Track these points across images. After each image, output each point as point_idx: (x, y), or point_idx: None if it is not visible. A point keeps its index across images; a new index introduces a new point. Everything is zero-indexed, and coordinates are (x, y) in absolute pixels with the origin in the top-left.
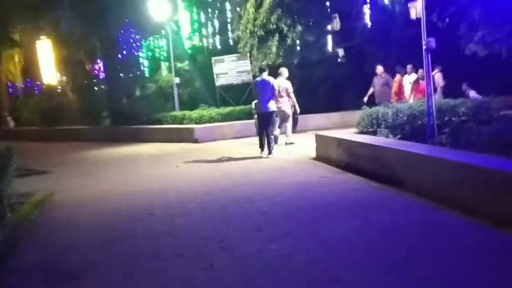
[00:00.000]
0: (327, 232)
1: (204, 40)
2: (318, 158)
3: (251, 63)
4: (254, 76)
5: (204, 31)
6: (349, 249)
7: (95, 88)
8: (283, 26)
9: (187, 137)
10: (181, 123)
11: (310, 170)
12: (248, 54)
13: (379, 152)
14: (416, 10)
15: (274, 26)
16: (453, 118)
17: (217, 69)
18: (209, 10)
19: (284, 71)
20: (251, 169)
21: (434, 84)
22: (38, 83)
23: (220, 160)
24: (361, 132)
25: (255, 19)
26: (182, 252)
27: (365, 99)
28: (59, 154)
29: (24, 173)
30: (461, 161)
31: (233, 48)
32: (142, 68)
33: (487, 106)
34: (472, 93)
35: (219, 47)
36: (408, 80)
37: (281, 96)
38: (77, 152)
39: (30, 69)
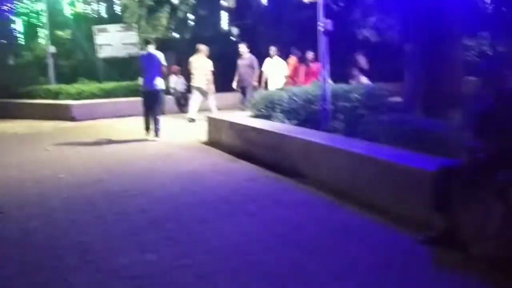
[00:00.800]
0: (216, 237)
1: (88, 8)
2: (210, 143)
3: (138, 35)
4: (142, 50)
5: None
6: (238, 258)
7: None
8: None
9: (63, 114)
10: (56, 98)
11: (201, 158)
12: (136, 26)
13: (275, 138)
14: None
15: None
16: (346, 104)
17: (100, 39)
18: None
19: (204, 48)
20: (133, 155)
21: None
22: None
23: (98, 143)
24: (256, 116)
25: None
26: (30, 270)
27: (234, 84)
28: None
29: None
30: (360, 153)
31: (120, 18)
32: (15, 34)
33: (378, 93)
34: (362, 79)
35: (105, 16)
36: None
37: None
38: None
39: None
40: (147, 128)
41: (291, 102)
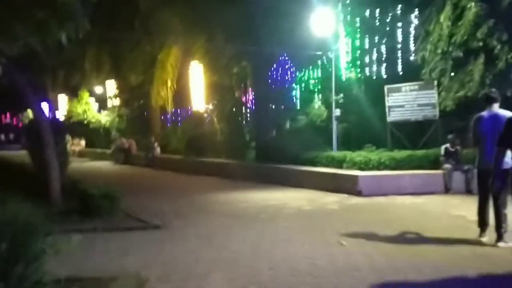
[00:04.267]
0: None
1: (366, 70)
2: None
3: (439, 94)
4: (443, 111)
5: (366, 59)
6: None
7: (243, 118)
8: (495, 43)
9: (347, 186)
10: (340, 167)
11: None
12: (435, 83)
13: None
14: None
15: (480, 43)
16: None
17: (390, 100)
18: (375, 35)
19: None
20: (469, 271)
21: None
22: (188, 110)
23: (406, 239)
24: None
25: (451, 36)
26: None
27: None
28: (193, 193)
29: (130, 225)
30: None
31: (401, 77)
32: (294, 100)
33: None
34: None
35: (384, 76)
36: None
37: None
38: (214, 193)
39: (180, 94)
40: (483, 224)
41: None
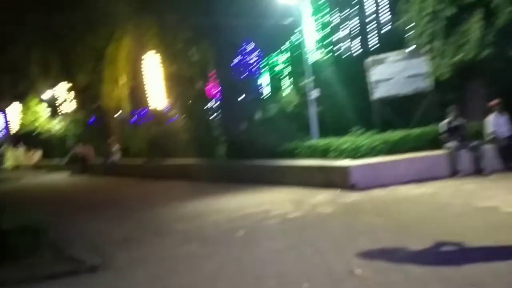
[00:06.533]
0: None
1: (339, 47)
2: None
3: (430, 62)
4: (436, 81)
5: (338, 36)
6: None
7: (208, 111)
8: None
9: (338, 180)
10: (324, 157)
11: None
12: (426, 48)
13: None
14: None
15: None
16: None
17: (375, 74)
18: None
19: None
20: None
21: None
22: (148, 108)
23: (442, 254)
24: None
25: None
26: None
27: None
28: (152, 206)
29: (56, 269)
30: None
31: (379, 51)
32: (261, 87)
33: None
34: None
35: (360, 51)
36: None
37: None
38: (178, 203)
39: (138, 91)
40: None
41: None
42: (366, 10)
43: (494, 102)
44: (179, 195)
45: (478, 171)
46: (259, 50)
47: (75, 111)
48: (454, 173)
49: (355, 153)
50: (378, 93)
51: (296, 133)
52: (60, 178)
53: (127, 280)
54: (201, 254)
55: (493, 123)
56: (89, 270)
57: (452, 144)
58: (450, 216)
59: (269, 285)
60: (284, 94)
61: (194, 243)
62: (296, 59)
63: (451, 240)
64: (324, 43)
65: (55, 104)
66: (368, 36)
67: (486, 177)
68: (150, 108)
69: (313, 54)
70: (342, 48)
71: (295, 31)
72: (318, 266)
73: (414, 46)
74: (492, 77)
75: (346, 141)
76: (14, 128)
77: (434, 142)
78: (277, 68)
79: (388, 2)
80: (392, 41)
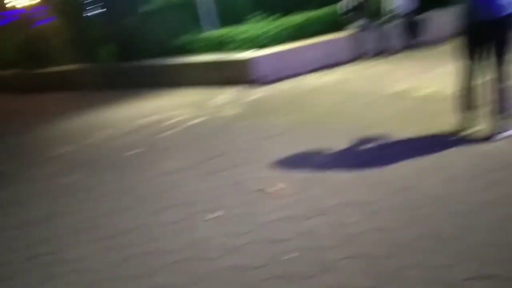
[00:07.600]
0: None
1: None
2: None
3: None
4: None
5: None
6: None
7: (85, 8)
8: None
9: (239, 75)
10: (220, 50)
11: None
12: None
13: None
14: None
15: None
16: None
17: None
18: None
19: None
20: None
21: None
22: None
23: (360, 154)
24: None
25: None
26: None
27: None
28: (30, 126)
29: None
30: None
31: None
32: None
33: None
34: None
35: None
36: None
37: None
38: (60, 120)
39: None
40: (469, 102)
41: None
42: None
43: None
44: (62, 109)
45: (382, 51)
46: None
47: None
48: (359, 55)
49: (253, 44)
50: None
51: (189, 26)
52: None
53: None
54: (85, 187)
55: None
56: None
57: (354, 24)
58: (363, 106)
59: (178, 217)
60: None
61: (78, 171)
62: None
63: (369, 135)
64: None
65: None
66: None
67: (391, 57)
68: (14, 7)
69: None
70: None
71: None
72: (229, 186)
73: None
74: None
75: (245, 30)
76: None
77: (336, 24)
78: None
79: None
80: None
